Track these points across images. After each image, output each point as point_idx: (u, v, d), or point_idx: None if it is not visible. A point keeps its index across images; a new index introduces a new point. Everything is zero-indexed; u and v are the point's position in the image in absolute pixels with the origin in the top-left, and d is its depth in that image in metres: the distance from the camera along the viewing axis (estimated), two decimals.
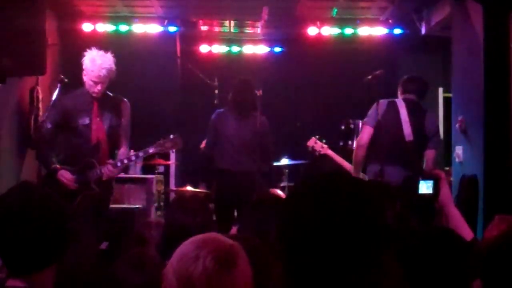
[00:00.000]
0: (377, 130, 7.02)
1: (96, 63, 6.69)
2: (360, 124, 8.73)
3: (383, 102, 7.17)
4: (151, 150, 6.76)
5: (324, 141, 8.35)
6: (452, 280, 2.87)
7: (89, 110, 6.80)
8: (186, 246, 2.28)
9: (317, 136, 8.39)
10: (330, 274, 1.85)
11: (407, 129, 6.98)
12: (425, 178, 3.99)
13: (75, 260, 3.10)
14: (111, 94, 6.93)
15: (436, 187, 3.92)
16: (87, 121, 6.76)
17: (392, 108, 7.11)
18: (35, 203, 2.64)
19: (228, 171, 7.84)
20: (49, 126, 6.82)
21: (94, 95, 6.76)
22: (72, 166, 6.67)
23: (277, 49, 11.06)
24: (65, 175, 6.62)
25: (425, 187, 3.98)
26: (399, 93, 7.38)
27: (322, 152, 8.20)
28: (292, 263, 1.90)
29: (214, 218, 8.66)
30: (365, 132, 7.12)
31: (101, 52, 6.81)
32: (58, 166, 6.64)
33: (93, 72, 6.68)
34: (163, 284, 2.26)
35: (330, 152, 8.22)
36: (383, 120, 6.99)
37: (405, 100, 7.15)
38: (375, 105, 7.13)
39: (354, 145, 8.20)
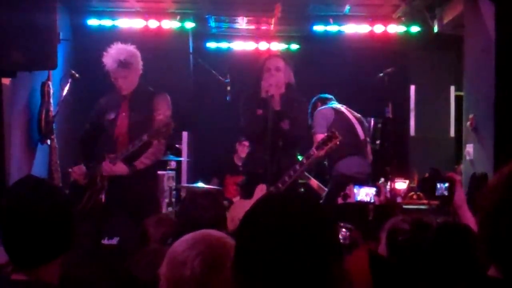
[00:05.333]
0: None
1: (108, 57, 6.52)
2: (372, 121, 8.76)
3: (329, 110, 7.44)
4: (144, 137, 6.14)
5: None
6: (464, 272, 2.88)
7: (117, 106, 6.62)
8: (176, 248, 2.26)
9: None
10: None
11: (359, 129, 7.54)
12: (441, 180, 4.05)
13: (73, 257, 3.08)
14: (149, 89, 6.68)
15: (451, 190, 3.98)
16: (112, 116, 6.58)
17: (340, 114, 7.54)
18: (39, 196, 2.62)
19: None
20: (87, 126, 6.78)
21: (120, 91, 6.59)
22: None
23: (290, 46, 11.04)
24: (76, 170, 6.56)
25: (441, 189, 4.05)
26: (319, 106, 7.65)
27: None
28: (246, 281, 1.89)
29: None
30: None
31: (116, 46, 6.61)
32: (82, 162, 6.58)
33: (108, 67, 6.52)
34: (159, 285, 2.25)
35: None
36: (335, 125, 7.29)
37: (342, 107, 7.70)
38: (320, 114, 7.38)
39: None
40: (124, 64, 6.49)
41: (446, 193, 4.05)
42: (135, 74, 6.63)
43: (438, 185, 4.08)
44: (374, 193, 5.88)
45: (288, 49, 11.03)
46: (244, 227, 1.95)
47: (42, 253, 2.59)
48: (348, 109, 7.74)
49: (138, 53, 6.66)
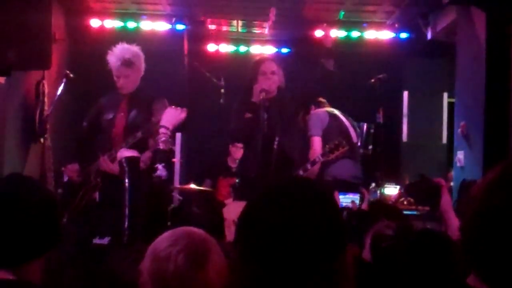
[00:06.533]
0: (324, 137, 7.31)
1: (112, 56, 6.58)
2: (365, 127, 8.80)
3: (323, 113, 7.46)
4: (139, 134, 6.22)
5: None
6: (443, 280, 2.90)
7: (116, 106, 6.64)
8: (159, 244, 2.32)
9: None
10: (285, 280, 1.87)
11: (352, 133, 7.47)
12: (428, 185, 4.08)
13: (62, 256, 3.10)
14: (149, 92, 6.69)
15: (437, 194, 4.01)
16: (110, 116, 6.62)
17: (335, 117, 7.47)
18: (21, 194, 2.60)
19: None
20: (85, 124, 6.80)
21: (120, 91, 6.64)
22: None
23: (284, 50, 11.09)
24: (70, 168, 6.58)
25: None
26: (313, 109, 7.69)
27: None
28: (249, 269, 1.92)
29: None
30: (317, 144, 7.30)
31: (122, 45, 6.67)
32: (76, 161, 6.59)
33: (111, 65, 6.57)
34: (139, 280, 2.30)
35: None
36: (330, 128, 7.29)
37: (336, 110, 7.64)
38: (315, 116, 7.40)
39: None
40: (127, 63, 6.56)
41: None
42: (137, 74, 6.68)
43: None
44: (358, 199, 5.93)
45: (281, 53, 11.05)
46: (252, 208, 1.99)
47: (24, 252, 2.56)
48: (341, 113, 7.79)
49: (142, 54, 6.73)
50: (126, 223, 4.90)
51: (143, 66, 6.72)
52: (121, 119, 6.60)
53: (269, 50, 11.06)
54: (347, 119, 7.67)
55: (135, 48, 6.69)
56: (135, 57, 6.63)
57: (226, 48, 11.20)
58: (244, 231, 1.97)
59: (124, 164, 6.09)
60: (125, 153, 6.13)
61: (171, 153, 6.33)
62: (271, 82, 6.55)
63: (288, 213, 1.89)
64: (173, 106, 6.18)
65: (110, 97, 6.79)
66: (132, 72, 6.61)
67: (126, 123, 6.57)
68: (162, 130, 5.91)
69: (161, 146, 5.86)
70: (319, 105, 7.74)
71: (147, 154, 6.38)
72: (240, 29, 10.99)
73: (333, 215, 1.96)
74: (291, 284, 1.87)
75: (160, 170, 5.89)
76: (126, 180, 5.72)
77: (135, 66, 6.61)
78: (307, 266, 1.86)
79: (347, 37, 10.36)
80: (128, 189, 5.41)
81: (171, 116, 6.10)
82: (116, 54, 6.58)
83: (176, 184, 9.94)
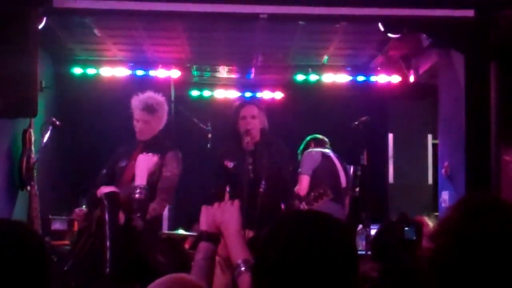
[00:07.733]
0: (314, 177, 7.39)
1: (136, 101, 6.47)
2: (352, 169, 8.87)
3: (318, 153, 7.59)
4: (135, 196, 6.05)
5: None
6: None
7: (130, 153, 6.48)
8: None
9: None
10: None
11: (342, 177, 7.82)
12: (408, 224, 4.11)
13: None
14: (165, 142, 6.55)
15: (418, 233, 4.04)
16: (124, 163, 6.46)
17: (328, 159, 7.76)
18: (10, 238, 2.57)
19: None
20: (104, 171, 6.69)
21: (138, 136, 6.51)
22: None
23: (269, 95, 11.16)
24: (78, 212, 6.44)
25: (408, 233, 4.10)
26: (313, 146, 7.81)
27: None
28: None
29: None
30: (305, 182, 7.38)
31: (148, 92, 6.57)
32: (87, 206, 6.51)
33: (133, 108, 6.47)
34: None
35: None
36: (321, 169, 7.51)
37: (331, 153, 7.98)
38: (308, 155, 7.50)
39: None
40: (150, 108, 6.41)
41: (414, 237, 4.11)
42: (157, 122, 6.52)
43: (406, 229, 4.14)
44: None
45: (267, 97, 11.12)
46: (270, 238, 2.06)
47: None
48: (336, 155, 7.89)
49: (166, 105, 6.61)
50: (108, 255, 4.89)
51: (165, 117, 6.58)
52: (132, 167, 6.36)
53: (256, 94, 11.11)
54: (340, 162, 7.77)
55: (160, 97, 6.60)
56: (159, 105, 6.49)
57: (211, 93, 11.28)
58: (261, 260, 2.05)
59: (104, 200, 6.13)
60: (104, 189, 6.12)
61: (147, 202, 6.25)
62: (251, 126, 6.57)
63: (307, 245, 1.97)
64: (144, 153, 6.16)
65: (127, 146, 6.68)
66: (153, 118, 6.46)
67: (135, 172, 6.36)
68: (136, 191, 5.92)
69: (137, 196, 5.86)
70: (319, 142, 7.87)
71: (152, 205, 6.18)
72: (226, 75, 11.09)
73: (350, 250, 2.04)
74: None
75: (136, 220, 5.87)
76: (106, 215, 5.71)
77: (157, 114, 6.47)
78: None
79: (332, 81, 10.47)
80: (108, 222, 5.40)
81: (143, 163, 6.12)
82: (140, 98, 6.45)
83: (165, 229, 9.94)
